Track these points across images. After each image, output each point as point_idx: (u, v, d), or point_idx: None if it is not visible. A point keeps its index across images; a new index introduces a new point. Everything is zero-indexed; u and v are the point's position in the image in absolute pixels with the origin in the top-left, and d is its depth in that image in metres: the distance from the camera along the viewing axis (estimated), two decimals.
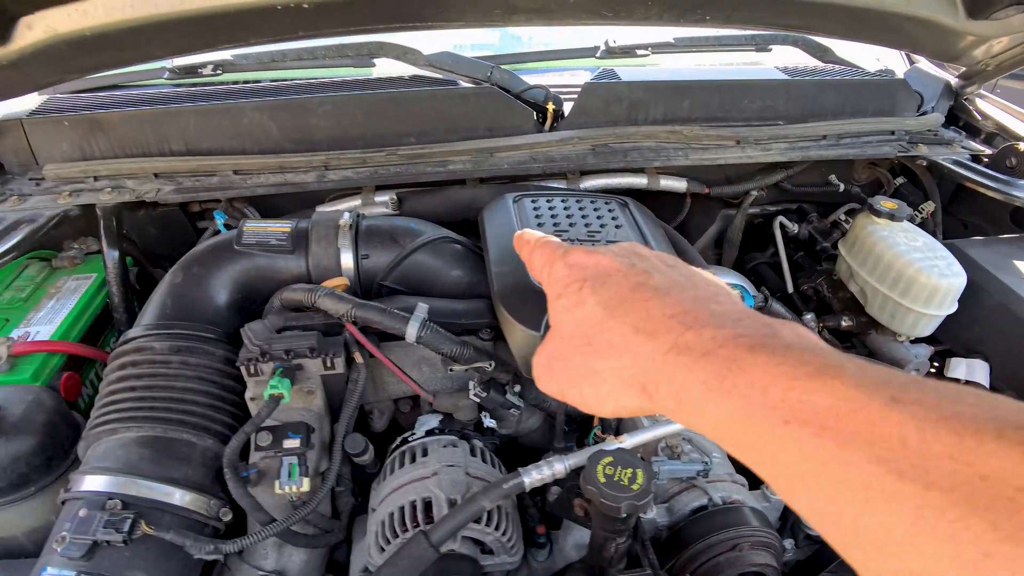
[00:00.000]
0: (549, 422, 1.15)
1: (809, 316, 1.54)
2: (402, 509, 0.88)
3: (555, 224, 1.19)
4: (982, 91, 1.79)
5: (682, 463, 0.95)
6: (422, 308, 1.03)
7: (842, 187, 1.73)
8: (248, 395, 0.97)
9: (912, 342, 1.45)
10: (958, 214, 1.80)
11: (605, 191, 1.50)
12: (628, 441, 0.88)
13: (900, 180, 1.74)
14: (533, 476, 0.84)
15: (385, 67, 1.56)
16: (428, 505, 0.88)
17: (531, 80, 1.50)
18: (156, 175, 1.35)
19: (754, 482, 1.02)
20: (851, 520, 0.29)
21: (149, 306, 1.09)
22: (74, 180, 1.37)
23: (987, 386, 1.36)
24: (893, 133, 1.61)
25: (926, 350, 1.43)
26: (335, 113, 1.37)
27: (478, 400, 1.03)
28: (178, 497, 0.87)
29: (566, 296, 0.46)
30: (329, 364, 0.98)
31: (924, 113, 1.73)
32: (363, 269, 1.16)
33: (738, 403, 0.34)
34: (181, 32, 1.20)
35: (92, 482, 0.88)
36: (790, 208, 1.82)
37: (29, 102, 1.51)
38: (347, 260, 1.15)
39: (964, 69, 1.73)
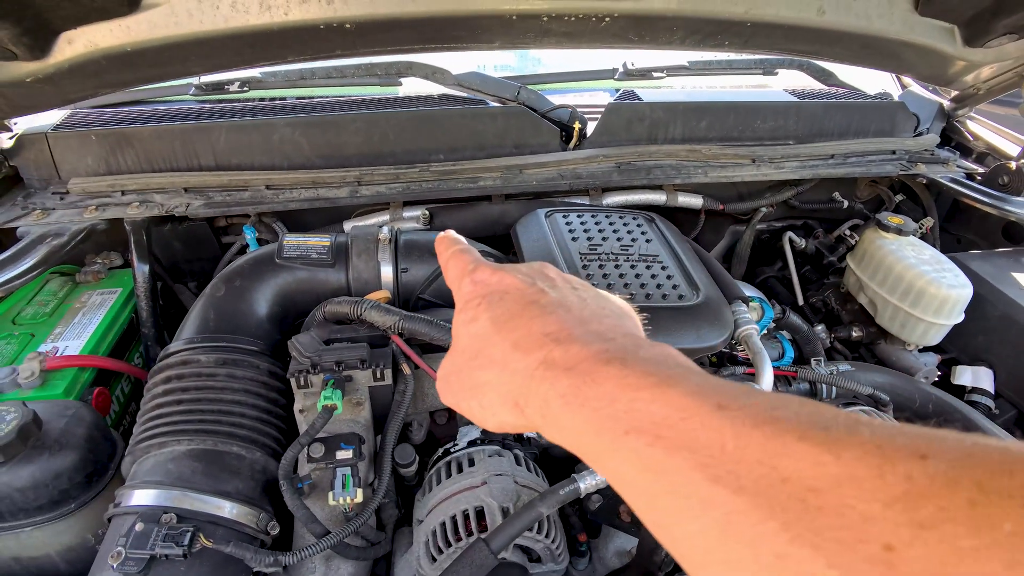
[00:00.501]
0: None
1: (820, 327, 1.59)
2: (454, 518, 0.89)
3: (588, 239, 1.23)
4: (972, 113, 1.89)
5: None
6: None
7: (846, 204, 1.80)
8: (297, 407, 0.98)
9: (920, 351, 1.51)
10: (952, 230, 1.89)
11: (626, 207, 1.54)
12: None
13: (900, 197, 1.82)
14: (588, 482, 0.86)
15: (411, 86, 1.59)
16: (480, 514, 0.89)
17: (553, 100, 1.55)
18: (186, 190, 1.36)
19: None
20: (679, 530, 0.29)
21: (189, 320, 1.09)
22: (100, 194, 1.37)
23: (992, 392, 1.42)
24: (894, 152, 1.70)
25: (934, 358, 1.49)
26: (367, 130, 1.40)
27: None
28: (229, 510, 0.87)
29: (465, 311, 0.47)
30: (379, 376, 0.99)
31: (920, 134, 1.82)
32: (402, 282, 1.18)
33: (590, 415, 0.34)
34: (222, 49, 1.22)
35: (143, 496, 0.87)
36: (796, 224, 1.88)
37: (51, 116, 1.51)
38: (387, 273, 1.17)
39: (956, 93, 1.83)
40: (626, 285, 1.09)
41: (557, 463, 1.24)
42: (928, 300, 1.38)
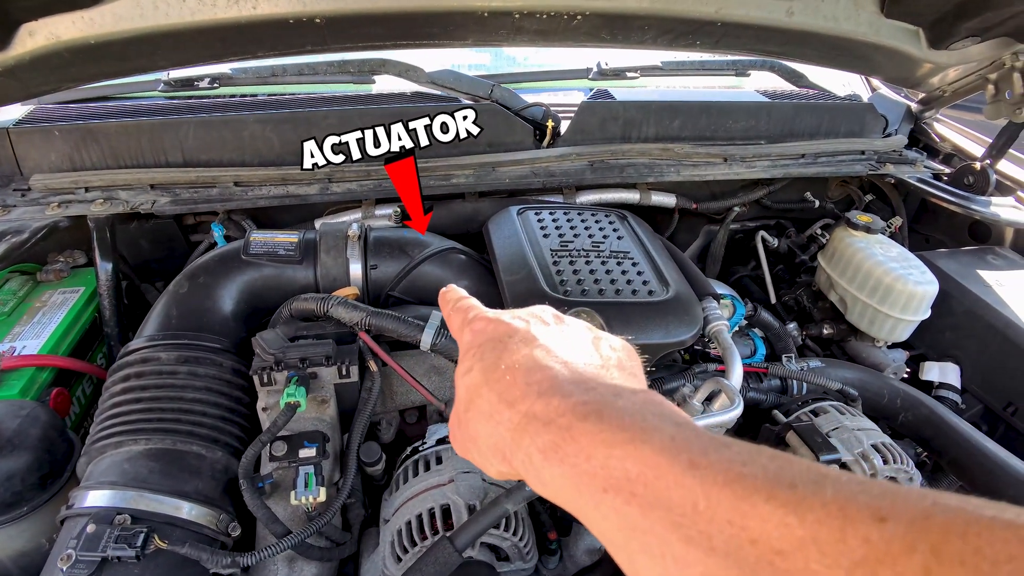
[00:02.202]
0: None
1: (792, 325, 1.61)
2: (420, 517, 0.88)
3: (560, 235, 1.22)
4: (939, 115, 1.93)
5: None
6: (436, 316, 1.04)
7: (817, 203, 1.83)
8: (260, 405, 0.96)
9: (889, 347, 1.53)
10: (921, 230, 1.93)
11: (599, 205, 1.55)
12: None
13: (869, 197, 1.85)
14: None
15: (384, 83, 1.58)
16: (446, 512, 0.88)
17: (527, 99, 1.55)
18: (152, 186, 1.33)
19: None
20: None
21: (151, 317, 1.06)
22: (64, 191, 1.33)
23: (959, 387, 1.45)
24: (863, 153, 1.73)
25: (902, 355, 1.52)
26: (339, 127, 1.38)
27: None
28: (187, 511, 0.85)
29: (463, 362, 0.47)
30: (344, 372, 0.98)
31: (889, 135, 1.86)
32: (371, 279, 1.17)
33: (569, 471, 0.35)
34: (190, 44, 1.20)
35: (97, 497, 0.85)
36: (769, 224, 1.91)
37: (13, 111, 1.47)
38: (356, 270, 1.15)
39: (923, 95, 1.87)
40: (596, 281, 1.09)
41: None
42: (895, 296, 1.40)
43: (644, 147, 1.49)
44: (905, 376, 1.57)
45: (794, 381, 1.32)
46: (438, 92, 1.50)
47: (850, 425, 1.12)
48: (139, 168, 1.36)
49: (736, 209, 1.79)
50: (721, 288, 1.62)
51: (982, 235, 1.79)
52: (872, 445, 1.08)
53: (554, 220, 1.27)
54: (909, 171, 1.75)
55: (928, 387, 1.48)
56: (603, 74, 1.70)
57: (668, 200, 1.63)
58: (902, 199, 1.81)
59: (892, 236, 1.78)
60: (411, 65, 1.50)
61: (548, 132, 1.47)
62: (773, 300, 1.74)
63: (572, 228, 1.25)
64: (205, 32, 1.18)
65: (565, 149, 1.44)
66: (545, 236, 1.21)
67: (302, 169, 1.32)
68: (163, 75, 1.55)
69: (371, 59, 1.50)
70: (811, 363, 1.38)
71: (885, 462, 1.07)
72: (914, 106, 1.91)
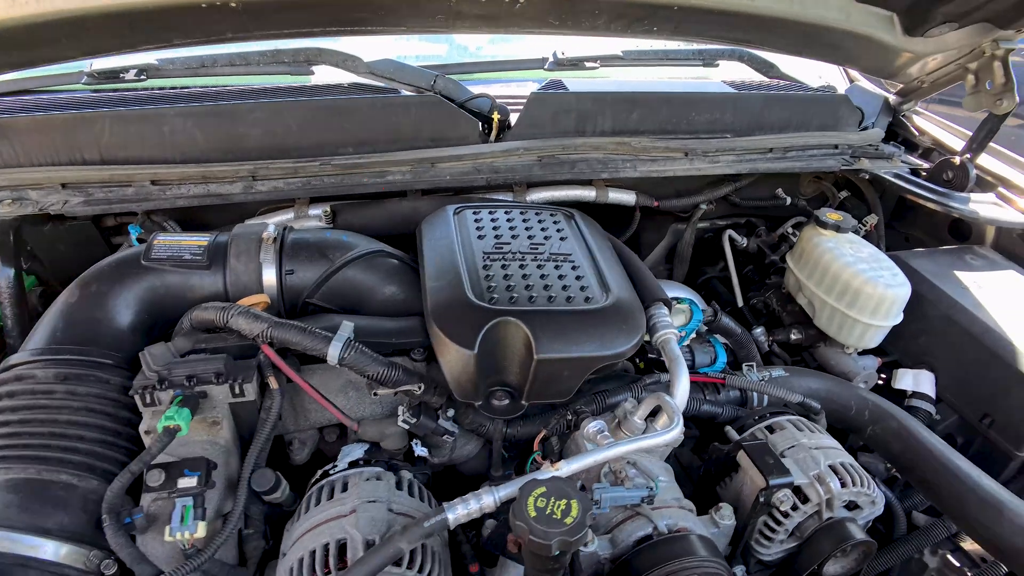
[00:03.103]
0: (488, 449, 1.08)
1: (759, 330, 1.51)
2: (313, 553, 0.79)
3: (497, 236, 1.13)
4: (919, 108, 1.84)
5: (625, 489, 0.89)
6: (347, 327, 0.94)
7: (789, 201, 1.73)
8: (142, 428, 0.87)
9: (860, 354, 1.44)
10: (900, 228, 1.83)
11: (552, 204, 1.45)
12: (565, 468, 0.81)
13: (844, 194, 1.75)
14: (458, 512, 0.76)
15: (325, 75, 1.49)
16: (342, 548, 0.79)
17: (480, 91, 1.45)
18: (64, 185, 1.23)
19: (702, 507, 0.97)
20: None
21: (37, 330, 0.97)
22: None
23: (933, 396, 1.35)
24: (836, 147, 1.63)
25: (874, 362, 1.42)
26: (267, 121, 1.28)
27: (407, 427, 0.95)
28: (50, 550, 0.76)
29: None
30: (238, 391, 0.88)
31: (865, 128, 1.76)
32: (287, 286, 1.07)
33: None
34: (98, 31, 1.11)
35: None
36: (739, 222, 1.81)
37: None
38: (269, 276, 1.06)
39: (901, 86, 1.77)
40: (528, 287, 0.99)
41: (466, 482, 1.15)
42: (864, 300, 1.30)
43: (599, 141, 1.40)
44: (881, 382, 1.47)
45: (754, 393, 1.23)
46: (378, 83, 1.41)
47: (808, 443, 1.03)
48: (51, 166, 1.26)
49: (703, 207, 1.70)
50: (682, 291, 1.53)
51: (963, 234, 1.69)
52: (830, 466, 0.98)
53: (493, 220, 1.18)
54: (885, 166, 1.65)
55: (902, 396, 1.39)
56: (560, 64, 1.60)
57: (627, 198, 1.53)
58: (879, 196, 1.72)
59: (867, 235, 1.69)
60: (349, 55, 1.40)
61: (494, 125, 1.37)
62: (740, 303, 1.64)
63: (512, 229, 1.16)
64: (113, 18, 1.09)
65: (512, 144, 1.35)
66: (480, 237, 1.12)
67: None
68: (86, 67, 1.45)
69: (306, 49, 1.41)
70: (774, 372, 1.29)
71: (843, 485, 0.97)
72: (892, 98, 1.81)
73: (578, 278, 1.04)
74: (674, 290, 1.53)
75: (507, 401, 0.94)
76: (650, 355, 1.29)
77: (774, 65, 1.75)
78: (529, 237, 1.14)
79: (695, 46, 1.70)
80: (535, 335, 0.90)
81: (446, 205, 1.22)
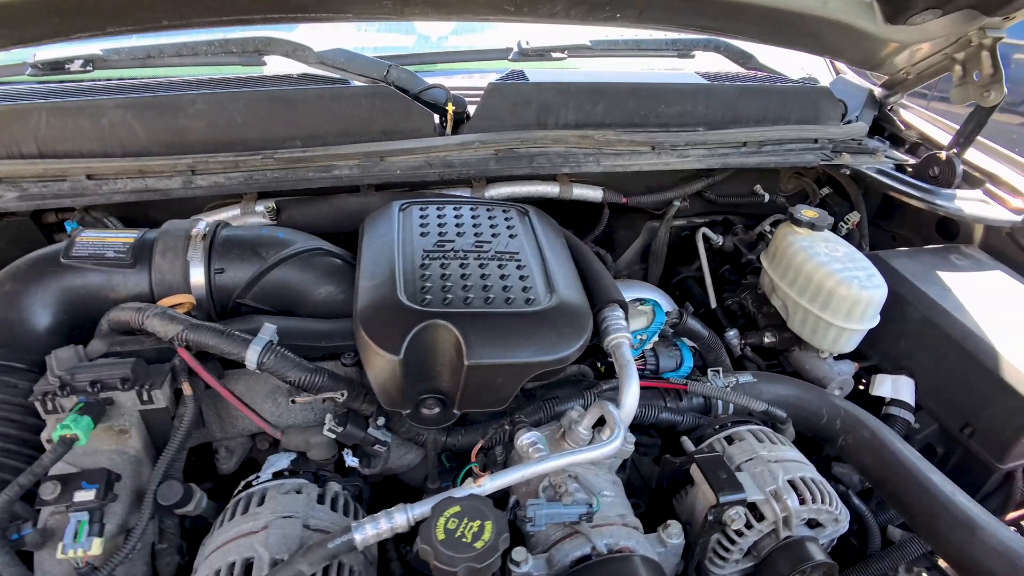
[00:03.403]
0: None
1: (732, 332, 1.45)
2: (218, 573, 0.73)
3: (441, 234, 1.07)
4: (905, 101, 1.76)
5: (563, 506, 0.83)
6: (268, 329, 0.89)
7: (767, 197, 1.66)
8: (44, 436, 0.81)
9: (836, 358, 1.37)
10: (887, 227, 1.76)
11: (513, 200, 1.39)
12: (488, 484, 0.75)
13: (826, 191, 1.68)
14: (367, 532, 0.70)
15: (278, 66, 1.43)
16: (249, 567, 0.73)
17: (442, 83, 1.39)
18: None
19: (660, 522, 0.91)
20: None
21: None
22: None
23: (912, 404, 1.28)
24: (816, 141, 1.56)
25: (850, 367, 1.35)
26: (209, 113, 1.23)
27: (333, 436, 0.89)
28: None
29: None
30: (146, 398, 0.83)
31: (849, 122, 1.69)
32: (217, 285, 1.02)
33: None
34: (20, 17, 1.06)
35: None
36: (716, 220, 1.74)
37: None
38: (197, 275, 1.00)
39: (886, 78, 1.70)
40: (466, 287, 0.93)
41: (411, 493, 1.09)
42: (838, 302, 1.23)
43: (560, 134, 1.33)
44: (861, 388, 1.40)
45: (719, 400, 1.17)
46: (331, 74, 1.35)
47: (767, 456, 0.97)
48: None
49: (676, 204, 1.63)
50: (650, 292, 1.46)
51: (951, 232, 1.62)
52: (789, 481, 0.92)
53: (440, 217, 1.12)
54: (868, 162, 1.58)
55: (880, 403, 1.32)
56: (525, 55, 1.54)
57: (593, 194, 1.47)
58: (862, 193, 1.64)
59: (849, 234, 1.62)
60: (300, 44, 1.35)
61: (449, 117, 1.31)
62: (713, 304, 1.58)
63: (459, 226, 1.10)
64: (38, 4, 1.04)
65: (466, 137, 1.29)
66: (423, 235, 1.06)
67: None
68: (29, 58, 1.41)
69: (255, 38, 1.35)
70: (741, 378, 1.22)
71: (802, 502, 0.91)
72: (877, 91, 1.74)
73: (522, 278, 0.98)
74: (642, 291, 1.48)
75: (438, 410, 0.88)
76: (610, 359, 1.23)
77: (752, 56, 1.68)
78: (476, 234, 1.08)
79: (668, 35, 1.64)
80: (466, 339, 0.84)
81: (393, 201, 1.16)
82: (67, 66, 1.39)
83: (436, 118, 1.33)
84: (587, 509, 0.83)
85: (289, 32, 1.43)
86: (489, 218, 1.14)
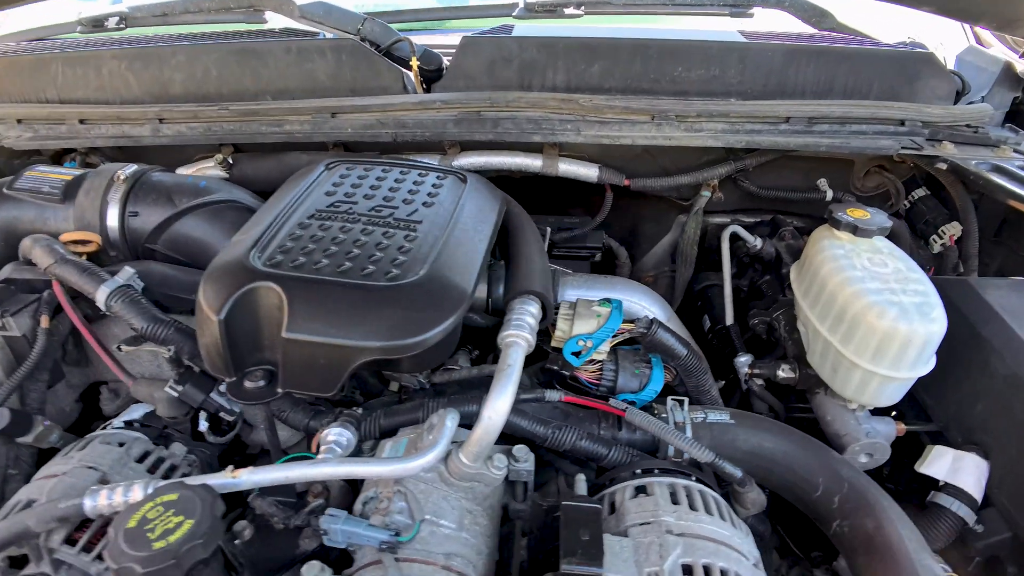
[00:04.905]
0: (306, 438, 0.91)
1: (744, 359, 1.14)
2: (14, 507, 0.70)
3: (347, 195, 0.96)
4: None
5: (367, 525, 0.67)
6: (126, 272, 0.85)
7: (829, 194, 1.29)
8: None
9: (875, 412, 1.00)
10: (1020, 248, 1.27)
11: (485, 172, 1.23)
12: (245, 478, 0.63)
13: (920, 192, 1.26)
14: (100, 500, 0.62)
15: (277, 22, 1.42)
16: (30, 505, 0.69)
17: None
18: (19, 121, 1.32)
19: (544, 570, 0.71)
20: None
21: None
22: None
23: (977, 495, 0.89)
24: (903, 124, 1.16)
25: (889, 427, 0.98)
26: (188, 64, 1.25)
27: (175, 394, 0.83)
28: None
29: None
30: (1, 325, 0.83)
31: (972, 103, 1.24)
32: (130, 228, 1.01)
33: None
34: None
35: None
36: (764, 219, 1.40)
37: None
38: (113, 216, 1.00)
39: None
40: (328, 252, 0.81)
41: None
42: (865, 335, 0.89)
43: (539, 97, 1.14)
44: (894, 464, 1.02)
45: (671, 437, 0.90)
46: (307, 27, 1.30)
47: (672, 523, 0.70)
48: (12, 103, 1.34)
49: (705, 195, 1.33)
50: (633, 292, 1.19)
51: None
52: (683, 565, 0.66)
53: (360, 178, 1.00)
54: (983, 156, 1.15)
55: (930, 485, 0.94)
56: (531, 10, 1.34)
57: (586, 172, 1.24)
58: (974, 199, 1.20)
59: (944, 251, 1.20)
60: None
61: (414, 74, 1.18)
62: (729, 320, 1.26)
63: (373, 188, 0.97)
64: None
65: (426, 96, 1.15)
66: (329, 194, 0.95)
67: None
68: (77, 16, 1.55)
69: None
70: (713, 415, 0.95)
71: None
72: (1020, 65, 1.26)
73: (401, 249, 0.83)
74: (626, 291, 1.21)
75: (263, 383, 0.77)
76: (564, 372, 1.02)
77: (828, 14, 1.30)
78: (386, 199, 0.95)
79: None
80: (292, 309, 0.72)
81: (327, 159, 1.07)
82: (105, 23, 1.51)
83: (410, 76, 1.21)
84: (389, 536, 0.66)
85: None
86: (414, 183, 1.00)
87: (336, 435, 0.71)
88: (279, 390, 0.76)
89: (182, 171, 1.30)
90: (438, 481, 0.76)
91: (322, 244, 0.82)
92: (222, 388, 0.84)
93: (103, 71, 1.29)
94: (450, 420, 0.72)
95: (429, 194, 0.97)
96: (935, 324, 0.86)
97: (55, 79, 1.32)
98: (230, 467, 0.66)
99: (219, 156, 1.20)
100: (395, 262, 0.80)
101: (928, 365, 0.90)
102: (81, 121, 1.27)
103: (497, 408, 0.73)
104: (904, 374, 0.89)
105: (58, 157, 1.42)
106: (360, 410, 0.82)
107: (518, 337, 0.81)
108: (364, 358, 0.73)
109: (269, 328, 0.76)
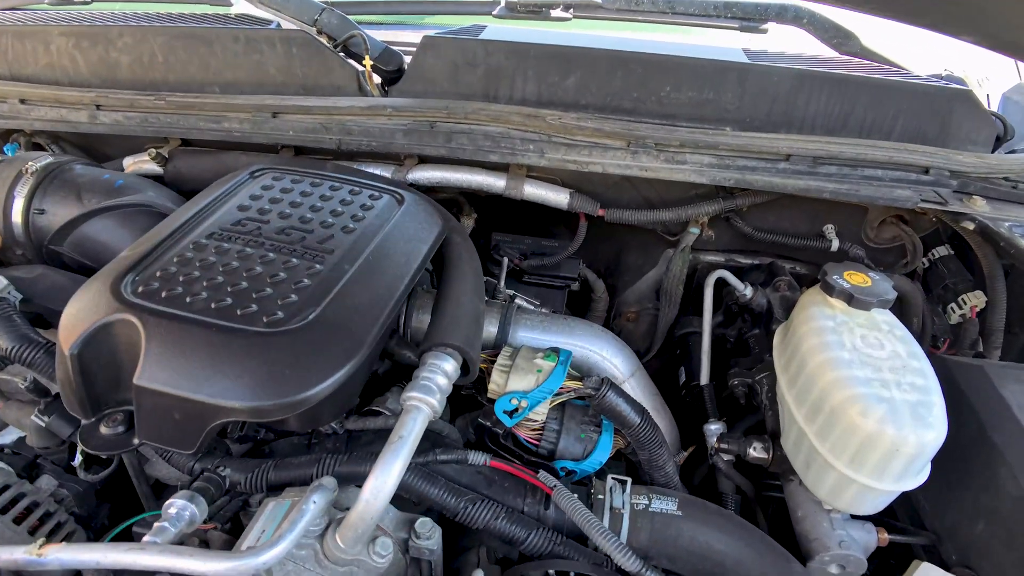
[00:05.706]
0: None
1: (715, 427, 1.00)
2: None
3: (259, 211, 0.85)
4: None
5: None
6: (1, 282, 0.75)
7: (835, 244, 1.13)
8: None
9: (855, 517, 0.85)
10: None
11: (443, 189, 1.10)
12: (52, 555, 0.52)
13: (942, 251, 1.09)
14: None
15: (245, 7, 1.31)
16: None
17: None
18: None
19: None
20: None
21: None
22: None
23: None
24: (927, 171, 0.99)
25: (870, 536, 0.83)
26: (134, 47, 1.15)
27: (42, 424, 0.73)
28: None
29: None
30: None
31: (1014, 152, 1.07)
32: (35, 226, 0.92)
33: None
34: None
35: None
36: (762, 262, 1.24)
37: None
38: (18, 212, 0.91)
39: None
40: (212, 282, 0.69)
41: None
42: (844, 432, 0.74)
43: (502, 110, 1.00)
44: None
45: (596, 534, 0.77)
46: (265, 15, 1.19)
47: None
48: None
49: (693, 231, 1.19)
50: (597, 340, 1.05)
51: None
52: None
53: (282, 191, 0.89)
54: (1019, 216, 0.97)
55: None
56: (513, 10, 1.20)
57: (555, 197, 1.10)
58: (1006, 268, 1.02)
59: (963, 323, 1.03)
60: None
61: (368, 74, 1.06)
62: (704, 379, 1.11)
63: (292, 206, 0.86)
64: None
65: (376, 101, 1.03)
66: (240, 209, 0.84)
67: None
68: None
69: None
70: (657, 502, 0.81)
71: None
72: None
73: (298, 284, 0.71)
74: (588, 338, 1.07)
75: (121, 430, 0.66)
76: (496, 430, 0.89)
77: (852, 35, 1.13)
78: (302, 220, 0.83)
79: None
80: (147, 350, 0.61)
81: (254, 165, 0.96)
82: None
83: (359, 74, 1.09)
84: None
85: None
86: (341, 201, 0.88)
87: (177, 509, 0.60)
88: (135, 441, 0.66)
89: (127, 161, 1.21)
90: (311, 561, 0.65)
91: (210, 272, 0.71)
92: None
93: (51, 48, 1.20)
94: (314, 501, 0.60)
95: (354, 216, 0.85)
96: (931, 431, 0.70)
97: (5, 53, 1.24)
98: (41, 540, 0.56)
99: (152, 150, 1.10)
100: (285, 301, 0.68)
101: (919, 478, 0.74)
102: (22, 101, 1.18)
103: (379, 488, 0.61)
104: (887, 486, 0.73)
105: (6, 137, 1.35)
106: (225, 473, 0.71)
107: (420, 402, 0.69)
108: (225, 418, 0.61)
109: (130, 368, 0.65)
